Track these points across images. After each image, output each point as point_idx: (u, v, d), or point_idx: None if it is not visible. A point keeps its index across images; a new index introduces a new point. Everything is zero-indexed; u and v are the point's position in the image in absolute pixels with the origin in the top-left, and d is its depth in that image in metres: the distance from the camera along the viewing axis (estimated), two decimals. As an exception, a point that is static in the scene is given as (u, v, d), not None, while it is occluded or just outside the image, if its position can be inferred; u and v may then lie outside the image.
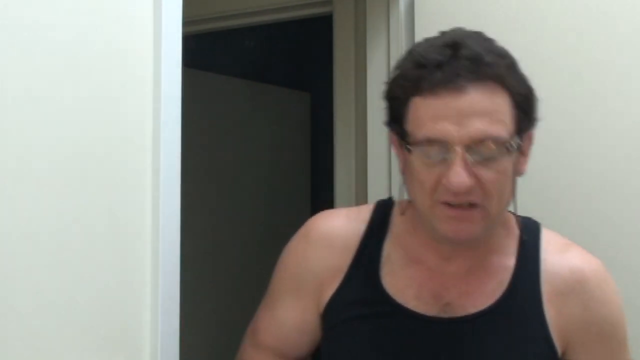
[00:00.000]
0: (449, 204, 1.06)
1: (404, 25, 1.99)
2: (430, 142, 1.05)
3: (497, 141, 1.04)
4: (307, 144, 3.72)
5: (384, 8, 2.04)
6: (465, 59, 1.03)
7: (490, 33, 1.10)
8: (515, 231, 1.18)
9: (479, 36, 1.09)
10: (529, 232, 1.18)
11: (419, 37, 1.90)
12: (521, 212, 1.18)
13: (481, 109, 1.03)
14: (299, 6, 2.30)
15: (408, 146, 1.07)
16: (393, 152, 2.01)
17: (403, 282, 1.17)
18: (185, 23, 1.25)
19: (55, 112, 1.02)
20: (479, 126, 1.03)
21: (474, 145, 1.03)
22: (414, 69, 1.06)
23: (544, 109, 1.65)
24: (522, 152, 1.10)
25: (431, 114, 1.04)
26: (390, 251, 1.19)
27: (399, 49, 1.98)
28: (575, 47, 1.68)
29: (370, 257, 1.19)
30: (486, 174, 1.05)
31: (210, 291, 3.07)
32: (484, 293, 1.14)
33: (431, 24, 1.89)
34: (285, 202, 3.54)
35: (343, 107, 2.20)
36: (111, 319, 1.10)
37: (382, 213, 1.22)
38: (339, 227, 1.23)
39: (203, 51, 3.18)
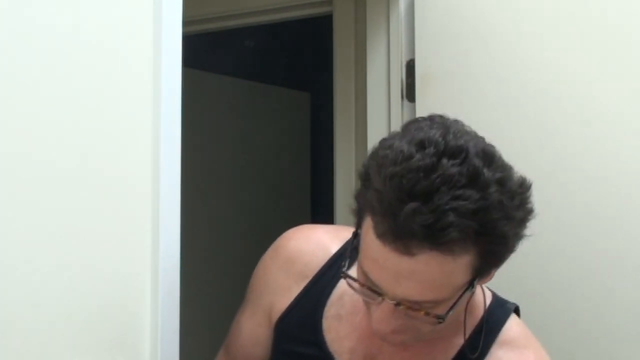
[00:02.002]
0: None
1: (404, 25, 1.98)
2: (367, 278, 0.97)
3: (435, 302, 0.95)
4: (307, 144, 3.72)
5: (384, 8, 2.03)
6: (424, 226, 0.87)
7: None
8: (479, 314, 1.10)
9: (466, 174, 0.90)
10: (493, 320, 1.09)
11: (419, 37, 1.91)
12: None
13: (425, 277, 0.92)
14: (299, 6, 2.30)
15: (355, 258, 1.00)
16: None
17: (345, 329, 1.11)
18: (185, 23, 1.25)
19: (55, 112, 1.02)
20: (415, 292, 0.93)
21: (406, 302, 0.95)
22: (375, 192, 0.92)
23: (544, 109, 1.65)
24: (488, 275, 1.01)
25: (374, 256, 0.94)
26: (346, 291, 1.08)
27: (399, 49, 1.98)
28: (577, 46, 1.68)
29: (320, 293, 1.14)
30: (419, 319, 0.97)
31: (211, 291, 3.07)
32: None
33: (431, 24, 1.89)
34: (286, 202, 3.54)
35: (343, 107, 2.20)
36: (111, 319, 1.10)
37: (354, 245, 1.07)
38: (304, 250, 1.17)
39: (203, 51, 3.18)
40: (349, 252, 1.03)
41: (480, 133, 0.97)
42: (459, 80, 1.83)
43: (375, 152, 0.97)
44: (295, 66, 3.79)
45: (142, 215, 1.15)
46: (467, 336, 1.07)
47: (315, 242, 1.18)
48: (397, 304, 0.95)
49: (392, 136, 0.97)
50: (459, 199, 0.88)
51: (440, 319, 0.95)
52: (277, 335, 1.17)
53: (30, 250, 0.98)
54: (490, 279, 1.03)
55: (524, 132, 1.71)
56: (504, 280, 1.70)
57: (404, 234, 0.89)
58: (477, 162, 0.91)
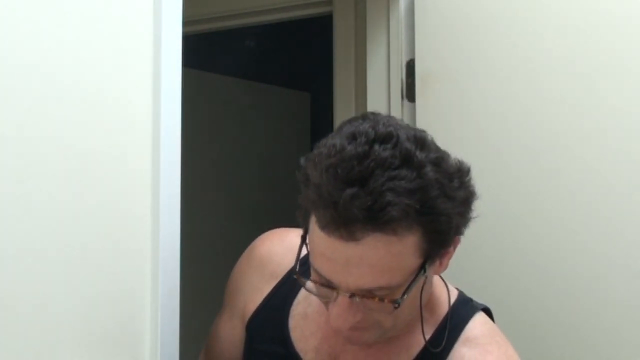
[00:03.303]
0: None
1: (404, 25, 1.99)
2: (320, 275, 0.98)
3: (389, 288, 0.95)
4: (307, 144, 3.72)
5: (384, 8, 2.04)
6: (363, 209, 0.89)
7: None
8: (443, 311, 1.10)
9: (399, 156, 0.91)
10: (457, 317, 1.10)
11: (419, 37, 1.91)
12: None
13: (374, 262, 0.93)
14: (299, 6, 2.30)
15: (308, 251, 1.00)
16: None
17: (310, 328, 1.12)
18: (185, 23, 1.25)
19: (55, 111, 1.02)
20: (367, 278, 0.94)
21: (360, 292, 0.96)
22: (314, 186, 0.93)
23: (543, 110, 1.65)
24: (439, 262, 1.01)
25: (322, 250, 0.95)
26: None
27: (399, 49, 1.99)
28: (578, 47, 1.68)
29: (288, 292, 1.15)
30: (375, 309, 0.97)
31: (211, 291, 3.07)
32: None
33: (431, 24, 1.89)
34: (285, 202, 3.54)
35: (343, 107, 2.20)
36: (111, 319, 1.10)
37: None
38: (275, 252, 1.20)
39: (203, 51, 3.19)
40: (298, 255, 1.04)
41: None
42: (459, 80, 1.83)
43: (311, 153, 0.99)
44: (295, 66, 3.79)
45: (142, 215, 1.15)
46: (428, 332, 1.08)
47: (287, 245, 1.19)
48: (352, 295, 0.96)
49: (326, 137, 0.99)
50: (395, 179, 0.90)
51: (396, 303, 0.95)
52: (249, 335, 1.19)
53: (30, 249, 0.98)
54: (445, 268, 1.04)
55: (524, 132, 1.71)
56: (503, 281, 1.70)
57: (346, 221, 0.90)
58: (409, 145, 0.93)
